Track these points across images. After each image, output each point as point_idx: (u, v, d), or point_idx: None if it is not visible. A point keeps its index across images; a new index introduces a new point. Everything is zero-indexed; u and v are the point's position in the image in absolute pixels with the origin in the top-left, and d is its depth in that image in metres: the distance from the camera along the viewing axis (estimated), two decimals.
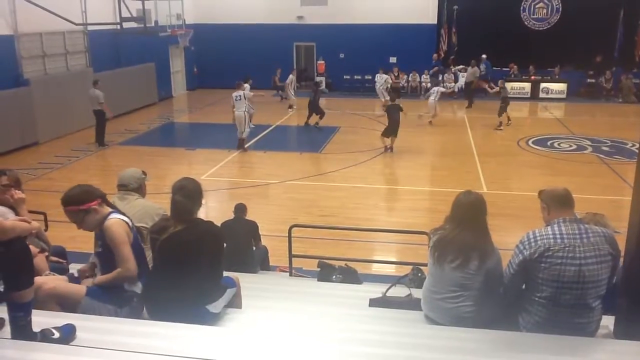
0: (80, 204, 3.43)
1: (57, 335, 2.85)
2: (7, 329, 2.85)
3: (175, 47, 23.44)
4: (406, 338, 3.23)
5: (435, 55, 22.33)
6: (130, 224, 3.56)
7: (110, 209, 3.56)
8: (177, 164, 13.54)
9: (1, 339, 2.81)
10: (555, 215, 3.33)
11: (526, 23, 22.79)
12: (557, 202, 3.35)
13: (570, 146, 14.80)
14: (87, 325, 3.07)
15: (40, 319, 2.98)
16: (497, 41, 21.93)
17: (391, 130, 14.05)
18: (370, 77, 23.66)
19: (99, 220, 3.49)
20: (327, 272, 6.20)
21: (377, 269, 7.82)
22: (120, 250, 3.42)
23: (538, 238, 3.27)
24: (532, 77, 22.26)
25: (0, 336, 2.85)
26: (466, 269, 3.45)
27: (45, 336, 2.82)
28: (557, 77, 22.31)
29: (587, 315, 3.28)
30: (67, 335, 2.89)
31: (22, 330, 2.79)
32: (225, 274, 3.77)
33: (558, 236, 3.24)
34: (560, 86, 22.08)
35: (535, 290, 3.30)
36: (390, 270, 7.71)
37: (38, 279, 3.26)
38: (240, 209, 6.98)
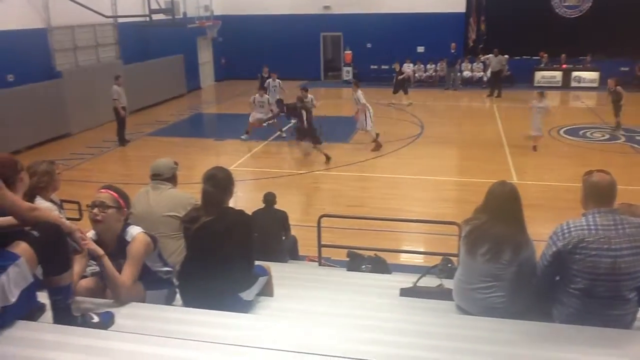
0: (122, 199, 3.43)
1: (96, 319, 2.92)
2: (49, 314, 2.93)
3: (203, 39, 23.62)
4: (438, 328, 3.22)
5: (453, 45, 21.97)
6: (154, 240, 3.50)
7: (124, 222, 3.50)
8: (206, 155, 13.69)
9: (43, 323, 2.89)
10: (592, 205, 3.28)
11: (557, 11, 22.34)
12: (595, 194, 3.28)
13: (603, 136, 14.51)
14: (125, 311, 3.14)
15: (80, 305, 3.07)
16: (527, 29, 21.56)
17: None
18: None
19: (115, 228, 3.41)
20: (356, 261, 6.20)
21: (405, 259, 7.81)
22: (132, 266, 3.33)
23: (572, 229, 3.23)
24: (564, 66, 21.83)
25: (41, 321, 2.93)
26: (499, 260, 3.43)
27: (85, 320, 2.88)
28: (588, 65, 21.85)
29: (622, 307, 3.23)
30: (106, 320, 2.96)
31: (62, 314, 2.85)
32: (256, 262, 3.81)
33: (592, 227, 3.19)
34: (592, 75, 21.61)
35: (569, 281, 3.27)
36: (418, 260, 7.70)
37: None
38: (270, 199, 7.01)
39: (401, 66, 20.44)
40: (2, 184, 2.65)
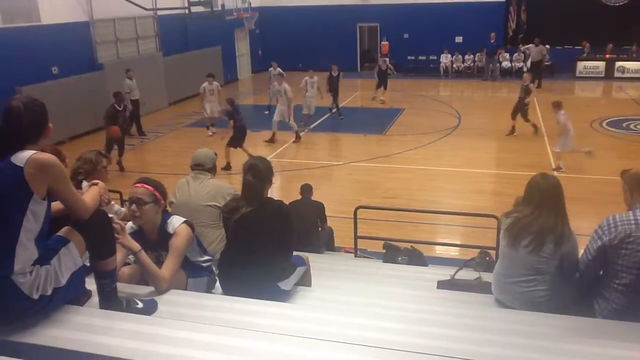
0: (158, 191, 3.45)
1: (140, 305, 2.99)
2: (95, 300, 3.02)
3: (241, 31, 23.77)
4: (477, 320, 3.20)
5: (493, 34, 21.51)
6: (192, 229, 3.52)
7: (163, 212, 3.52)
8: None
9: (89, 308, 2.99)
10: (639, 200, 3.20)
11: None
12: None
13: None
14: (167, 298, 3.22)
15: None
16: (569, 18, 21.00)
17: None
18: (435, 58, 23.27)
19: (155, 220, 3.45)
20: (392, 253, 6.21)
21: (441, 251, 7.76)
22: (174, 261, 3.37)
23: (619, 223, 3.15)
24: (607, 56, 21.18)
25: (89, 306, 3.03)
26: (541, 252, 3.37)
27: (129, 305, 2.96)
28: (634, 55, 21.14)
29: None
30: (150, 306, 3.04)
31: (108, 298, 2.93)
32: (295, 253, 3.85)
33: None
34: (637, 65, 20.92)
35: (614, 276, 3.20)
36: (454, 253, 7.65)
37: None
38: (307, 190, 7.05)
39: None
40: (70, 182, 2.73)
